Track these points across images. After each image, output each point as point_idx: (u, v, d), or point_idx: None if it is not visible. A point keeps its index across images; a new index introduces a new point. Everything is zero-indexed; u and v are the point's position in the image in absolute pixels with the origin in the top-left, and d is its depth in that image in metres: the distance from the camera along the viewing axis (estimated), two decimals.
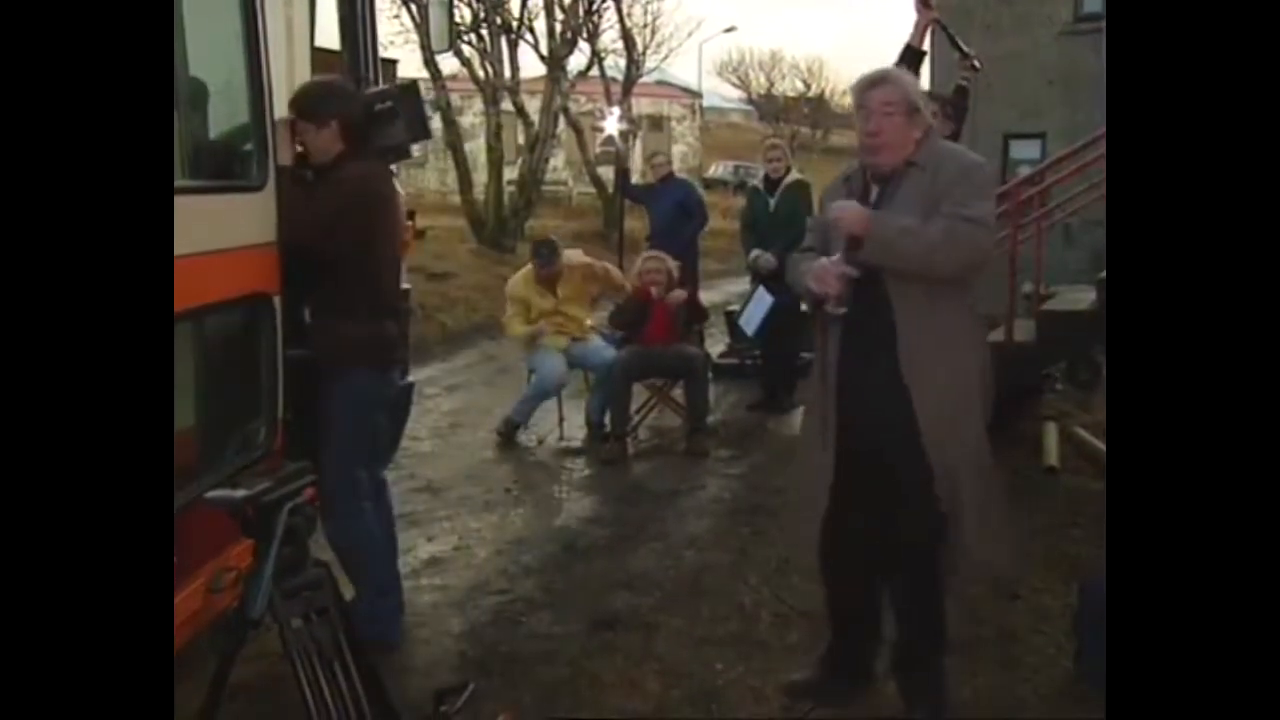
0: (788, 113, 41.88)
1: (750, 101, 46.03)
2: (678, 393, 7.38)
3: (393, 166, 4.02)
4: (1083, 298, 8.43)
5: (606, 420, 7.04)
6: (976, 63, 5.33)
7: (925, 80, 5.04)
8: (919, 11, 4.94)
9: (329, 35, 4.34)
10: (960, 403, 3.19)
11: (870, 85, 3.26)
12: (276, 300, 3.60)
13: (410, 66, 23.79)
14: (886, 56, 5.52)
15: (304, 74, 3.89)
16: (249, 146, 3.59)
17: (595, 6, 22.37)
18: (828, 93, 43.05)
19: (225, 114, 3.62)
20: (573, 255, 7.57)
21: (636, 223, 13.02)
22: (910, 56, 4.82)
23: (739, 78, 45.00)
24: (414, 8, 19.12)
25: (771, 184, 8.03)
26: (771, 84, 43.17)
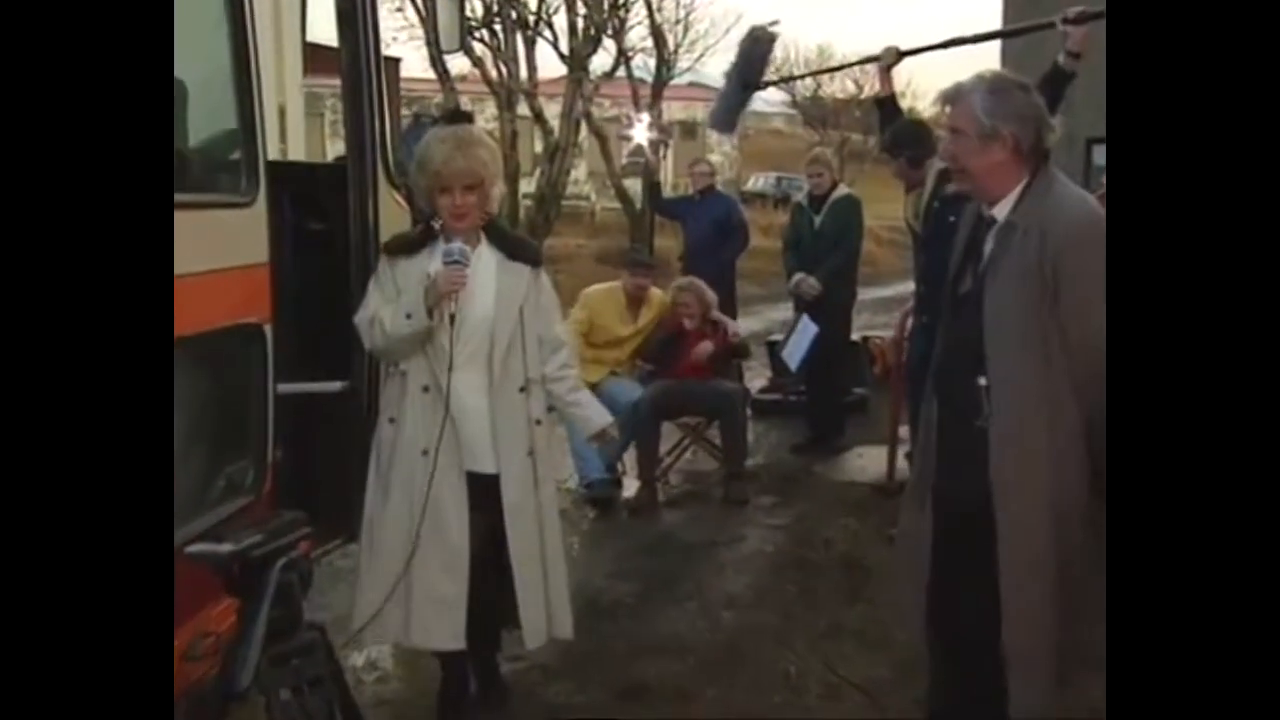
0: (837, 117, 41.70)
1: (795, 105, 46.01)
2: (713, 433, 7.35)
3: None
4: None
5: (621, 465, 7.02)
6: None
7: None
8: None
9: (320, 30, 4.34)
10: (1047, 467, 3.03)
11: (942, 102, 3.17)
12: (268, 329, 3.61)
13: (414, 65, 23.96)
14: (952, 52, 5.68)
15: (295, 72, 3.90)
16: (236, 155, 3.60)
17: (622, 0, 22.48)
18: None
19: (207, 117, 3.61)
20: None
21: (667, 242, 13.04)
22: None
23: (780, 76, 45.16)
24: (419, 0, 19.29)
25: (817, 199, 8.03)
26: (819, 85, 43.09)
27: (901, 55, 5.89)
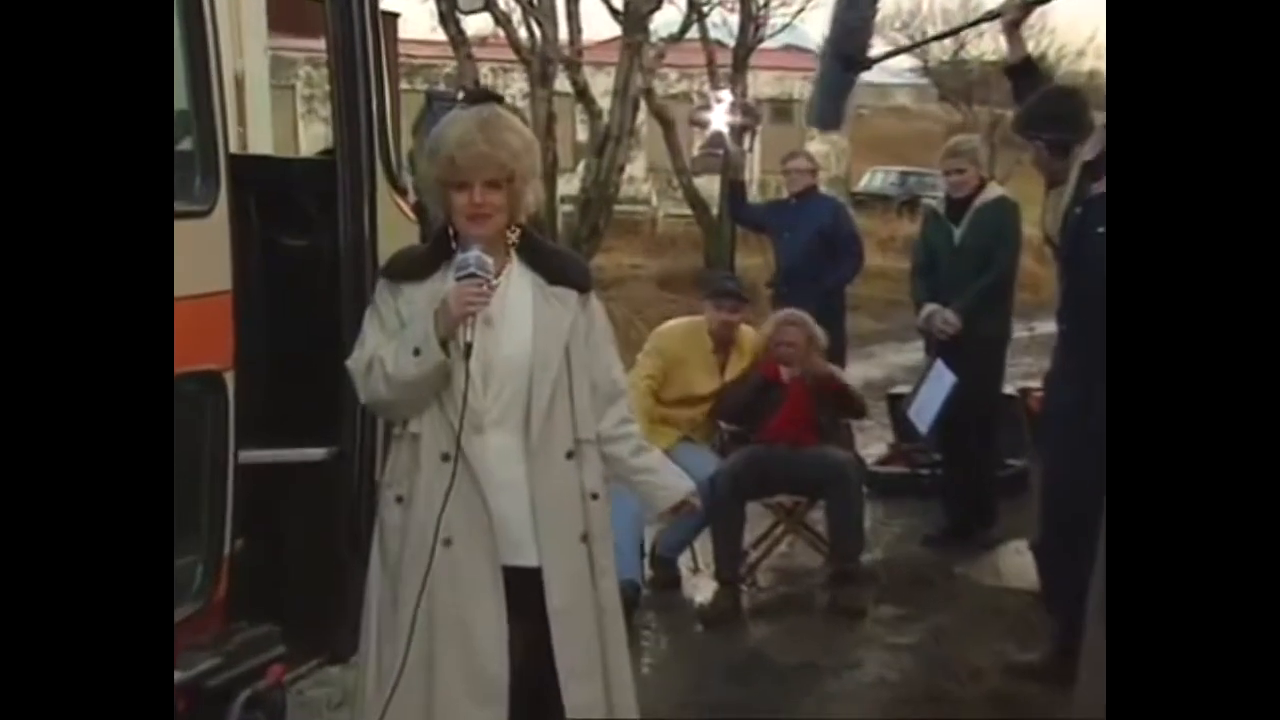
0: (986, 89, 41.08)
1: (927, 72, 45.84)
2: (816, 516, 7.34)
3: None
4: None
5: (693, 558, 7.11)
6: None
7: None
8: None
9: None
10: None
11: None
12: (229, 378, 3.63)
13: (418, 24, 24.10)
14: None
15: (257, 29, 3.92)
16: (186, 145, 3.64)
17: None
18: (1051, 55, 41.90)
19: None
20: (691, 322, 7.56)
21: (753, 260, 13.02)
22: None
23: (910, 37, 44.47)
24: None
25: (957, 204, 7.99)
26: (961, 45, 42.61)
27: (1030, 6, 5.77)
